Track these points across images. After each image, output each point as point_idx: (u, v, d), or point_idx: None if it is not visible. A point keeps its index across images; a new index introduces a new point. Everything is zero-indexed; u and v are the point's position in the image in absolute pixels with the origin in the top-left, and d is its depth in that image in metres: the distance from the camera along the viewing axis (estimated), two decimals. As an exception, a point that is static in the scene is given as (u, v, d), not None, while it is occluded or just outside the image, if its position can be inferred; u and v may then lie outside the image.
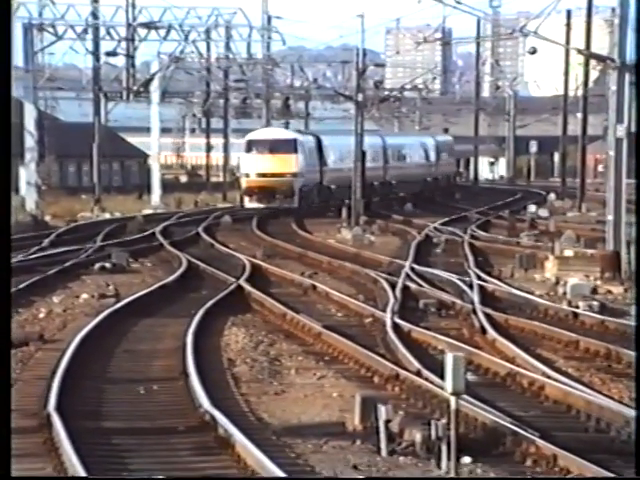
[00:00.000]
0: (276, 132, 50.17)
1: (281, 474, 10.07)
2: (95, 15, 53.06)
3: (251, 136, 49.19)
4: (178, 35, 53.10)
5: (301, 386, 14.71)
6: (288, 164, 47.56)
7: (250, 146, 48.19)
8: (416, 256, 29.50)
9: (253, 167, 47.75)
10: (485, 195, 61.91)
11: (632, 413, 12.26)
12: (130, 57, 53.76)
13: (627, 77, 25.10)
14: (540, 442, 11.15)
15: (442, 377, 11.18)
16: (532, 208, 45.78)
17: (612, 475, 10.21)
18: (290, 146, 47.93)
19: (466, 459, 10.94)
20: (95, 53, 53.75)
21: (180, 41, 53.41)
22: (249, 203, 47.78)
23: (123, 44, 52.84)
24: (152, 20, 52.60)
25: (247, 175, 47.97)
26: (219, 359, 16.48)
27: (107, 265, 27.67)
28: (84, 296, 22.75)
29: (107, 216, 47.54)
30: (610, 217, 25.69)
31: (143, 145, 68.89)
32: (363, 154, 44.56)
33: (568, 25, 53.46)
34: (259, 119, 62.83)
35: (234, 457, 11.07)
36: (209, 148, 68.17)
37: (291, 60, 64.06)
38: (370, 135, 52.35)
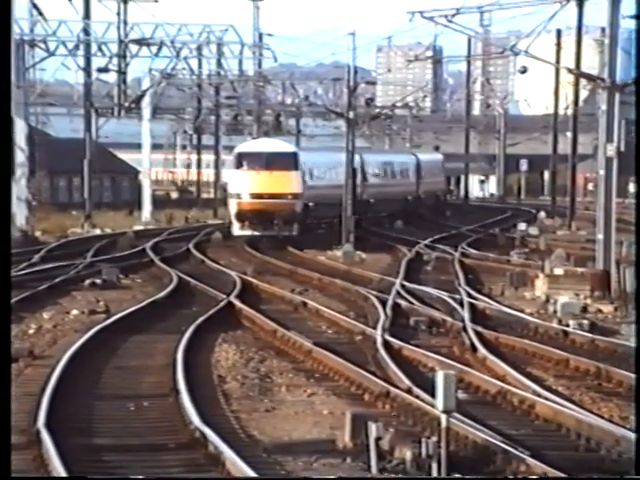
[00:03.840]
0: (272, 144, 41.33)
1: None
2: (87, 31, 53.13)
3: (242, 148, 40.82)
4: (169, 52, 53.17)
5: (292, 403, 14.70)
6: (288, 183, 39.32)
7: (241, 160, 39.63)
8: (407, 273, 29.52)
9: (245, 186, 38.99)
10: (475, 213, 62.01)
11: (622, 432, 12.28)
12: (121, 73, 53.78)
13: (617, 96, 25.22)
14: (530, 460, 11.15)
15: (433, 395, 11.19)
16: (522, 226, 45.89)
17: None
18: (290, 161, 39.58)
19: (456, 477, 10.93)
20: (86, 69, 53.79)
21: (171, 58, 53.47)
22: (240, 230, 38.98)
23: (115, 60, 52.87)
24: (144, 37, 52.66)
25: (238, 196, 39.08)
26: (209, 376, 16.46)
27: (97, 281, 27.63)
28: (74, 312, 22.72)
29: (98, 232, 47.48)
30: (600, 236, 25.77)
31: (134, 161, 68.97)
32: (354, 171, 44.37)
33: (558, 44, 53.73)
34: (250, 136, 62.91)
35: (224, 474, 11.05)
36: (200, 164, 68.25)
37: (282, 77, 64.22)
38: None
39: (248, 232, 38.85)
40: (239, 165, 39.73)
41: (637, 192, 25.49)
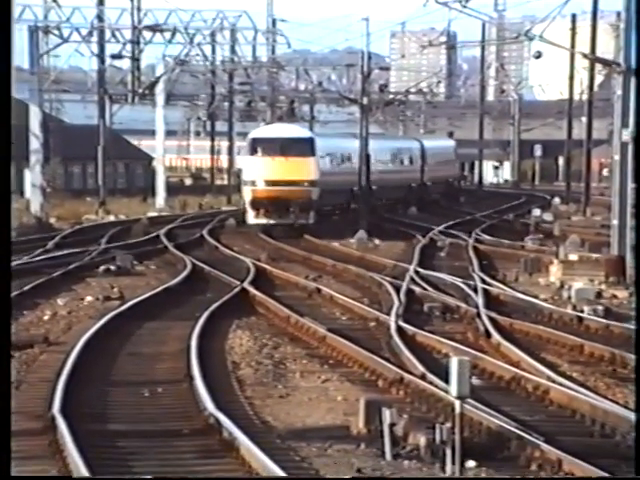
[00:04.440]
0: (287, 129, 40.35)
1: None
2: (100, 18, 53.14)
3: (257, 134, 39.79)
4: (183, 38, 53.17)
5: (305, 389, 14.71)
6: (305, 169, 38.21)
7: (255, 146, 38.57)
8: (420, 259, 29.49)
9: (260, 173, 37.95)
10: (489, 199, 61.87)
11: (636, 417, 12.24)
12: (135, 60, 53.81)
13: (633, 81, 25.10)
14: (545, 446, 11.14)
15: (446, 381, 11.17)
16: (537, 212, 45.78)
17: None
18: (307, 147, 38.53)
19: (471, 463, 10.94)
20: (100, 56, 53.83)
21: (185, 44, 53.46)
22: (255, 219, 37.98)
23: (128, 47, 52.91)
24: (157, 23, 52.65)
25: (253, 183, 38.07)
26: (223, 362, 16.48)
27: (112, 267, 27.69)
28: (89, 298, 22.77)
29: (112, 218, 47.58)
30: (615, 221, 25.69)
31: (148, 148, 69.01)
32: (367, 157, 44.15)
33: (573, 29, 53.46)
34: (264, 122, 62.87)
35: (239, 460, 11.07)
36: (214, 151, 68.25)
37: (296, 63, 64.09)
38: None
39: (263, 220, 37.76)
40: (253, 151, 38.57)
41: (636, 177, 25.35)
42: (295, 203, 37.47)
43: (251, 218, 38.10)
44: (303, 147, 38.34)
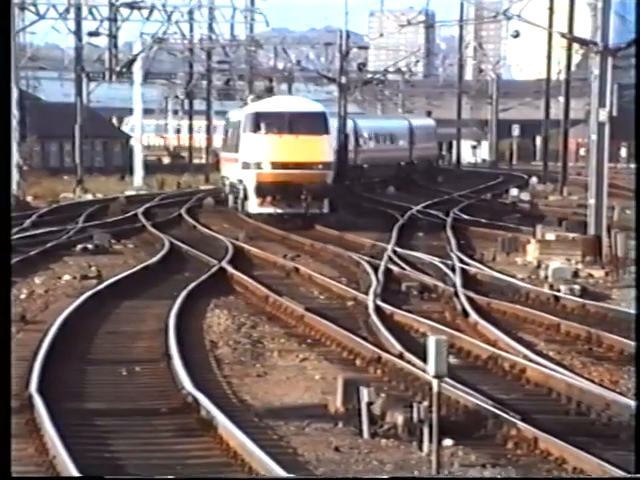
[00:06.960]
0: (295, 102, 34.79)
1: (263, 456, 10.10)
2: (77, -6, 52.74)
3: (259, 107, 33.66)
4: (161, 16, 52.91)
5: (283, 368, 14.74)
6: (319, 149, 32.57)
7: (258, 122, 32.93)
8: (398, 239, 29.55)
9: (265, 154, 32.46)
10: (467, 178, 62.01)
11: (612, 396, 12.34)
12: (113, 37, 53.51)
13: (610, 61, 25.15)
14: (521, 425, 11.22)
15: (424, 360, 11.22)
16: (514, 192, 45.92)
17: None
18: (320, 123, 32.75)
19: (447, 441, 11.00)
20: (77, 33, 53.50)
21: (163, 22, 53.21)
22: (260, 207, 32.53)
23: (105, 24, 52.61)
24: (135, 0, 52.37)
25: (258, 166, 32.50)
26: (201, 341, 16.50)
27: (89, 246, 27.61)
28: (66, 277, 22.72)
29: (89, 197, 47.40)
30: (592, 201, 25.80)
31: (125, 126, 68.75)
32: (346, 137, 44.20)
33: (551, 8, 53.52)
34: (242, 101, 62.73)
35: (216, 439, 11.10)
36: (192, 129, 68.03)
37: (274, 42, 63.94)
38: None
39: (269, 209, 32.52)
40: (256, 128, 32.88)
41: (637, 155, 25.46)
42: (307, 189, 31.97)
43: (254, 206, 32.73)
44: (315, 123, 32.59)
